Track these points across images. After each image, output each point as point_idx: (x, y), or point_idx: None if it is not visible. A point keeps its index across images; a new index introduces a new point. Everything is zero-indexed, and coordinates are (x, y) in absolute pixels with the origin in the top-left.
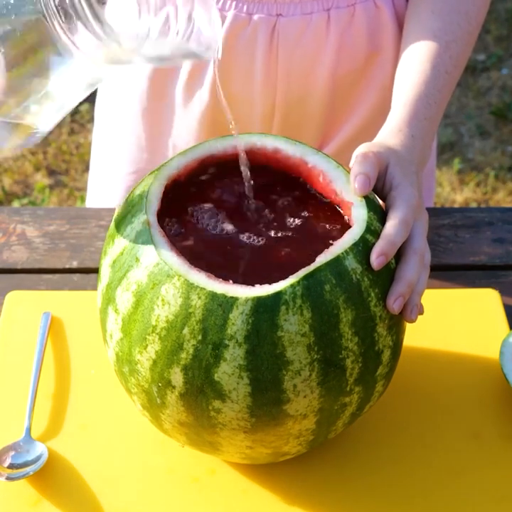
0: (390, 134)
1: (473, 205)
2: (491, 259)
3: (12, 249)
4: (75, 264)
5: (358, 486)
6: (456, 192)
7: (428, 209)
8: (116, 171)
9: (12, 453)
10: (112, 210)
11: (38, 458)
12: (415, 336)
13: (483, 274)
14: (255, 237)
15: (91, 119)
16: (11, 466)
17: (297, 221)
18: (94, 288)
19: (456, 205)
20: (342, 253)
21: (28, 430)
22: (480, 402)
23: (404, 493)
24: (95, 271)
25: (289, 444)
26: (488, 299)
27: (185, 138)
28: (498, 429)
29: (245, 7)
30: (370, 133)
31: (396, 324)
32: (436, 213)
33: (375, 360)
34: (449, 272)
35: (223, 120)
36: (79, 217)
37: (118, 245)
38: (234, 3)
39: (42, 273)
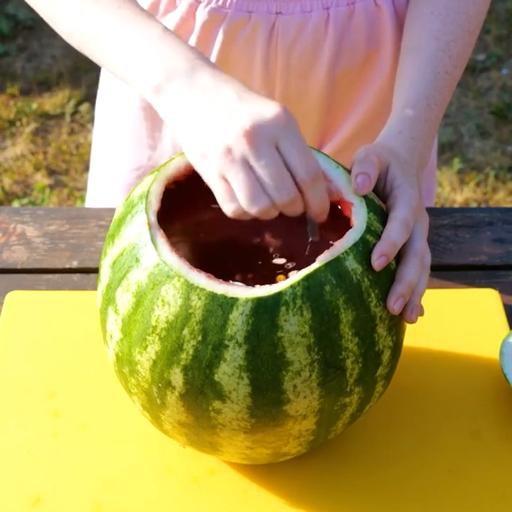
0: (391, 135)
1: (473, 205)
2: (490, 259)
3: (12, 249)
4: (75, 264)
5: (358, 486)
6: (456, 192)
7: (428, 209)
8: (117, 168)
9: None
10: (112, 210)
11: None
12: (415, 336)
13: (483, 274)
14: (255, 238)
15: (91, 119)
16: None
17: (297, 221)
18: (94, 288)
19: (456, 205)
20: (342, 254)
21: None
22: (480, 402)
23: (405, 493)
24: (95, 271)
25: (289, 444)
26: (488, 298)
27: None
28: (498, 429)
29: (245, 5)
30: (369, 132)
31: (396, 325)
32: (436, 213)
33: (375, 360)
34: (449, 271)
35: None
36: (79, 217)
37: (118, 246)
38: (234, 0)
39: (42, 273)
